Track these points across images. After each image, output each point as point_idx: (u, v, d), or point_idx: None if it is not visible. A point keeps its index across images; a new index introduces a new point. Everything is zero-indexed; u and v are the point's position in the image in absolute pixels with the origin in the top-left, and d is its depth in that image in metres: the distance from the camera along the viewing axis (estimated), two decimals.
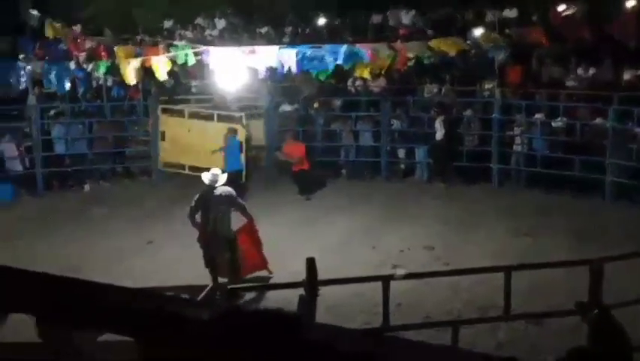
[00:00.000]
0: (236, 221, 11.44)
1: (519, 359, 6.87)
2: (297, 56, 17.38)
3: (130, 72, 17.24)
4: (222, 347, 1.72)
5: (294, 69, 17.73)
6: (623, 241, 12.27)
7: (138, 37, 21.48)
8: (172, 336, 2.09)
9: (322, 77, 18.93)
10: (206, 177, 11.03)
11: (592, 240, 12.86)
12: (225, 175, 11.27)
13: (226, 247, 10.90)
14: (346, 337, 2.43)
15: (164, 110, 17.85)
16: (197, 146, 17.03)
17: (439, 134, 17.35)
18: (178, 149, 17.47)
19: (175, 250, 12.79)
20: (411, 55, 18.19)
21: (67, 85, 18.51)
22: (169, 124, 17.67)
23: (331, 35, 23.05)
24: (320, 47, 18.02)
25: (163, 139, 17.67)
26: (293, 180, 16.88)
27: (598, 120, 16.41)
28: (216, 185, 10.90)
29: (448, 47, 17.85)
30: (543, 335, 9.44)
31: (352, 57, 17.51)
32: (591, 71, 17.82)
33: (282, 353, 1.68)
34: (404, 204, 15.64)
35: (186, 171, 17.10)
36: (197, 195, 11.03)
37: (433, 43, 18.01)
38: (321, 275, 8.17)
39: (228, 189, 10.99)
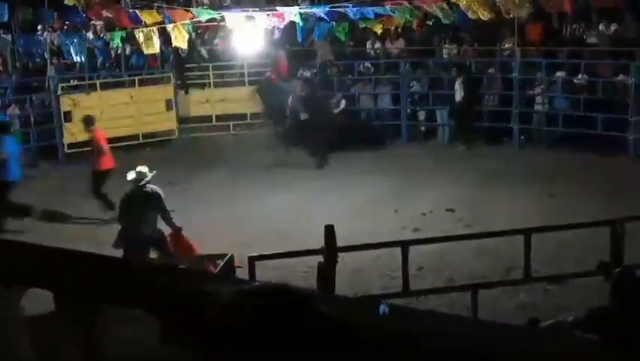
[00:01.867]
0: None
1: (539, 320, 6.90)
2: (316, 17, 17.23)
3: (147, 41, 17.21)
4: (230, 330, 1.72)
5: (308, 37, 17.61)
6: None
7: (155, 5, 21.37)
8: (190, 315, 2.09)
9: (342, 37, 18.70)
10: (130, 175, 10.24)
11: (617, 198, 12.72)
12: (151, 173, 10.26)
13: (151, 247, 10.03)
14: (361, 310, 2.43)
15: (69, 91, 17.94)
16: (112, 117, 17.35)
17: (459, 96, 17.21)
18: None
19: (196, 218, 12.87)
20: (430, 10, 17.68)
21: (83, 57, 18.57)
22: (77, 104, 17.58)
23: None
24: (340, 6, 17.84)
25: (68, 120, 17.48)
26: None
27: (620, 77, 16.21)
28: (142, 183, 10.09)
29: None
30: (566, 294, 9.39)
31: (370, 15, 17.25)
32: (613, 27, 17.52)
33: (292, 331, 1.68)
34: (425, 167, 15.57)
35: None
36: (123, 196, 10.35)
37: None
38: (344, 240, 8.18)
39: (156, 188, 10.20)
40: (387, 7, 17.16)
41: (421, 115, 18.59)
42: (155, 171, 10.40)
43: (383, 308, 7.36)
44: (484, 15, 16.51)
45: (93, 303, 2.71)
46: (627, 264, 7.79)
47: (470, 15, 16.51)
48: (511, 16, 16.76)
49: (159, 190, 10.20)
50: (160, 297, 2.46)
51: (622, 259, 8.02)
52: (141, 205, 9.98)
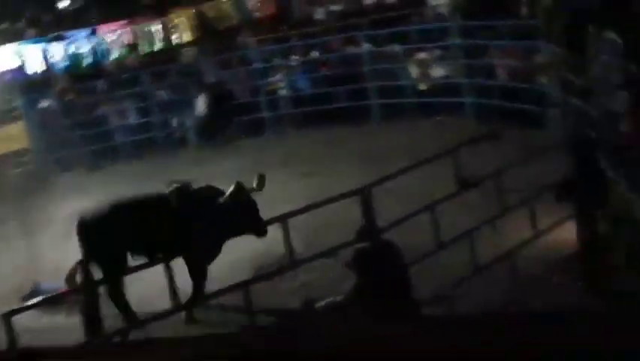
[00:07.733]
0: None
1: (314, 299, 7.05)
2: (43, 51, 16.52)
3: None
4: None
5: (41, 67, 16.73)
6: (399, 160, 12.61)
7: None
8: None
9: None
10: None
11: (370, 165, 13.15)
12: None
13: None
14: None
15: None
16: None
17: (202, 109, 17.16)
18: None
19: None
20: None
21: None
22: None
23: (77, 19, 22.01)
24: (67, 35, 17.23)
25: None
26: None
27: (353, 48, 16.91)
28: None
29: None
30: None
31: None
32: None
33: None
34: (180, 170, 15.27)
35: None
36: None
37: None
38: None
39: None
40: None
41: (174, 123, 18.33)
42: None
43: None
44: None
45: None
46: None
47: None
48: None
49: None
50: None
51: (374, 223, 8.35)
52: None
